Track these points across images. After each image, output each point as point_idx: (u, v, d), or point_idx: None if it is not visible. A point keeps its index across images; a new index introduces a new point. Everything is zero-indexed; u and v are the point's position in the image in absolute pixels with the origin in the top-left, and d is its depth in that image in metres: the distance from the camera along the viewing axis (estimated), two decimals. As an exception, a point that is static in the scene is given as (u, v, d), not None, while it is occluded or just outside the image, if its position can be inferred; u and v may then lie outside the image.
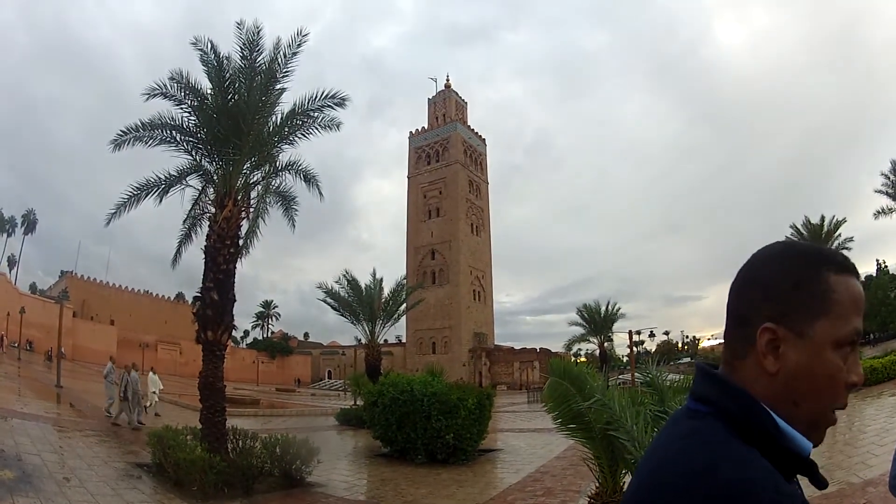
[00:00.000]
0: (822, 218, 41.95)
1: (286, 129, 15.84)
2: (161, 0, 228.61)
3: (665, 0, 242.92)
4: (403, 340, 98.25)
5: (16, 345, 52.40)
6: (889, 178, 40.51)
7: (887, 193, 40.48)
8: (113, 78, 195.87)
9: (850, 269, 1.06)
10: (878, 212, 40.80)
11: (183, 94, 14.50)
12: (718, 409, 1.04)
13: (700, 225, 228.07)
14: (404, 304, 37.06)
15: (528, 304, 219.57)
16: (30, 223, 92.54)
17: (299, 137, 16.08)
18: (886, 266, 67.15)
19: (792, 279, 1.03)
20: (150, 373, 25.26)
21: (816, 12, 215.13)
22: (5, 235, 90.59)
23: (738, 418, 1.01)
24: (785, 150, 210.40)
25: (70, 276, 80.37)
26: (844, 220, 41.52)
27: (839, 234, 41.57)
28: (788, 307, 1.02)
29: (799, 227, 43.15)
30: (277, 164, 16.57)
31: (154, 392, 24.21)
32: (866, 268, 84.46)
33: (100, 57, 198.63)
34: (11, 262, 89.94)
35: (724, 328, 1.13)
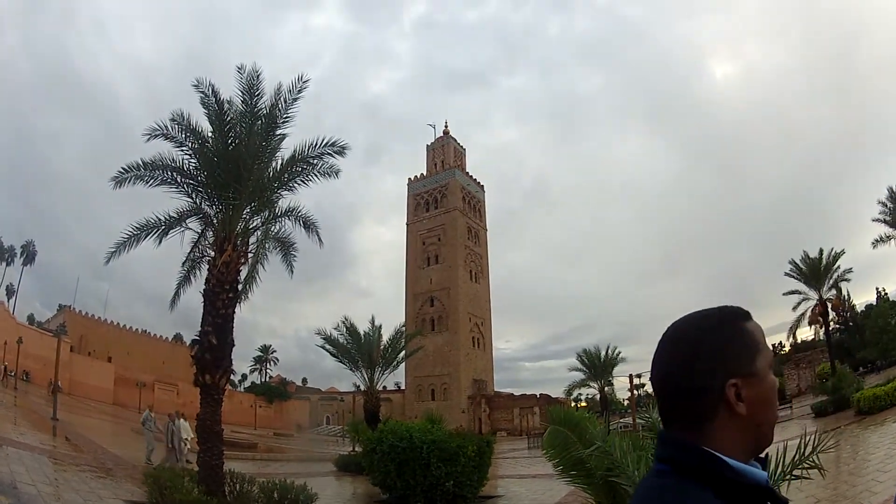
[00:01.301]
0: (821, 251, 41.97)
1: (286, 176, 15.97)
2: (161, 36, 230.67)
3: (658, 40, 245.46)
4: (402, 387, 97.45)
5: (13, 374, 52.04)
6: (887, 205, 40.53)
7: (885, 221, 40.51)
8: (112, 111, 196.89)
9: (749, 314, 1.38)
10: (877, 240, 40.87)
11: (184, 135, 14.69)
12: (678, 465, 1.26)
13: (698, 263, 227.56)
14: (403, 352, 36.89)
15: (527, 350, 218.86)
16: (29, 254, 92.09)
17: (299, 184, 16.21)
18: (886, 294, 67.16)
19: (726, 340, 1.31)
20: (181, 419, 24.69)
21: (808, 42, 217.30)
22: (4, 264, 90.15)
23: (695, 470, 1.23)
24: (781, 183, 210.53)
25: (69, 311, 79.58)
26: (843, 252, 41.41)
27: (838, 267, 41.59)
28: (735, 361, 1.29)
29: (797, 261, 43.14)
30: (277, 209, 16.66)
31: (186, 439, 23.76)
32: (866, 297, 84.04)
33: (99, 90, 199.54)
34: (10, 292, 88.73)
35: (665, 407, 1.36)
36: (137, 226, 14.99)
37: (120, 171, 14.67)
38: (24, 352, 51.43)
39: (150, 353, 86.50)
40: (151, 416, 23.08)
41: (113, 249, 15.18)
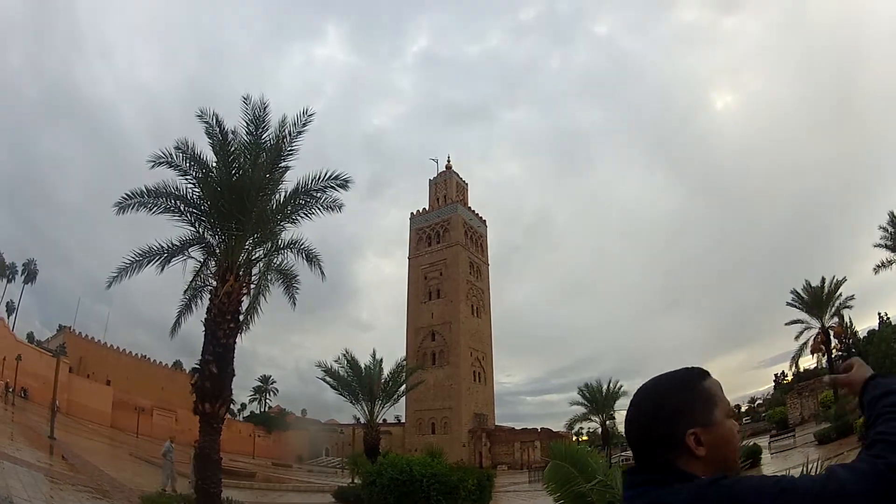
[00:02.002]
0: (823, 280, 42.27)
1: (289, 208, 16.05)
2: (166, 65, 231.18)
3: (659, 74, 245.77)
4: (403, 420, 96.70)
5: (11, 390, 51.81)
6: (888, 230, 40.64)
7: (886, 246, 40.58)
8: (116, 136, 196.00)
9: (706, 372, 1.65)
10: (879, 265, 41.03)
11: (188, 164, 14.79)
12: (658, 482, 1.47)
13: (700, 297, 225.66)
14: (404, 385, 36.75)
15: (528, 384, 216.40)
16: (30, 273, 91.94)
17: (301, 217, 16.28)
18: (889, 318, 66.96)
19: (685, 398, 1.56)
20: None
21: (808, 72, 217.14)
22: (5, 281, 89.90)
23: (676, 481, 1.44)
24: (781, 212, 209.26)
25: (69, 333, 78.92)
26: (845, 280, 41.80)
27: (840, 294, 41.78)
28: (695, 413, 1.53)
29: (799, 291, 43.26)
30: (279, 241, 16.71)
31: None
32: (869, 322, 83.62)
33: (103, 114, 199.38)
34: (10, 309, 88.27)
35: (638, 456, 1.60)
36: (140, 252, 15.06)
37: (123, 198, 14.79)
38: (23, 369, 51.29)
39: (149, 379, 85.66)
40: (172, 447, 23.01)
41: (115, 274, 15.25)
